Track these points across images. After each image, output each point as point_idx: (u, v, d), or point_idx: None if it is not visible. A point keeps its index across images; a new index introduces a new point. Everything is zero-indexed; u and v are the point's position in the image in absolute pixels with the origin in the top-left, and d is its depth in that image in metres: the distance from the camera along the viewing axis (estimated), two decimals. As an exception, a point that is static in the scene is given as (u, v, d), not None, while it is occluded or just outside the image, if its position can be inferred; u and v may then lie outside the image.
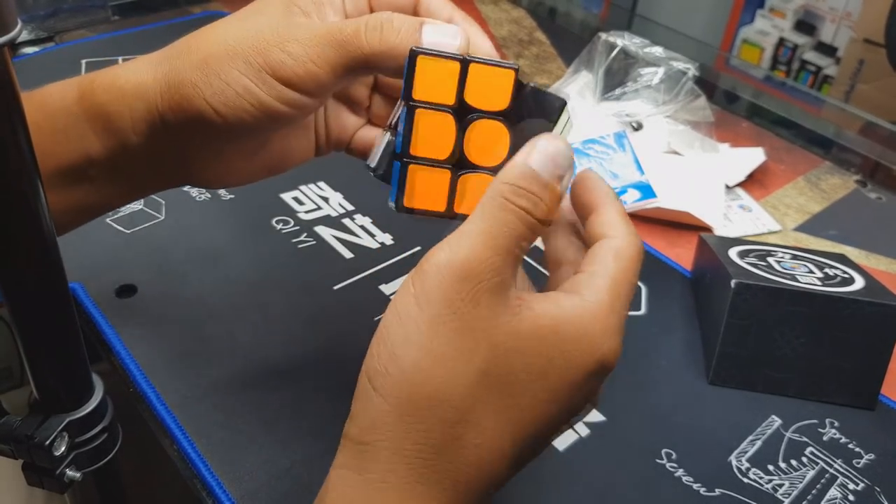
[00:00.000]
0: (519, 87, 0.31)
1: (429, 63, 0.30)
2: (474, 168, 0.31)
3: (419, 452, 0.27)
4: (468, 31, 0.34)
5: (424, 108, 0.30)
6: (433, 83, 0.30)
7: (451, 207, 0.32)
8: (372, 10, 0.36)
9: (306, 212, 0.59)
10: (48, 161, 0.34)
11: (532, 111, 0.31)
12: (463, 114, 0.31)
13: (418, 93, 0.30)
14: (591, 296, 0.29)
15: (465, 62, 0.30)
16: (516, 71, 0.30)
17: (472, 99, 0.30)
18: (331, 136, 0.40)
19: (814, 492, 0.43)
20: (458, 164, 0.31)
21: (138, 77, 0.35)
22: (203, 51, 0.34)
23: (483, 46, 0.34)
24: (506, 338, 0.28)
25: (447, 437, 0.27)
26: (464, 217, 0.29)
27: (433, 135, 0.31)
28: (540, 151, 0.29)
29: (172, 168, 0.37)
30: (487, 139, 0.31)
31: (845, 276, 0.51)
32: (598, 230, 0.31)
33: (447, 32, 0.31)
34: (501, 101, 0.30)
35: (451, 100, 0.30)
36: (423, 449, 0.27)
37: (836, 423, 0.48)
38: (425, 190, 0.31)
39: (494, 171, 0.31)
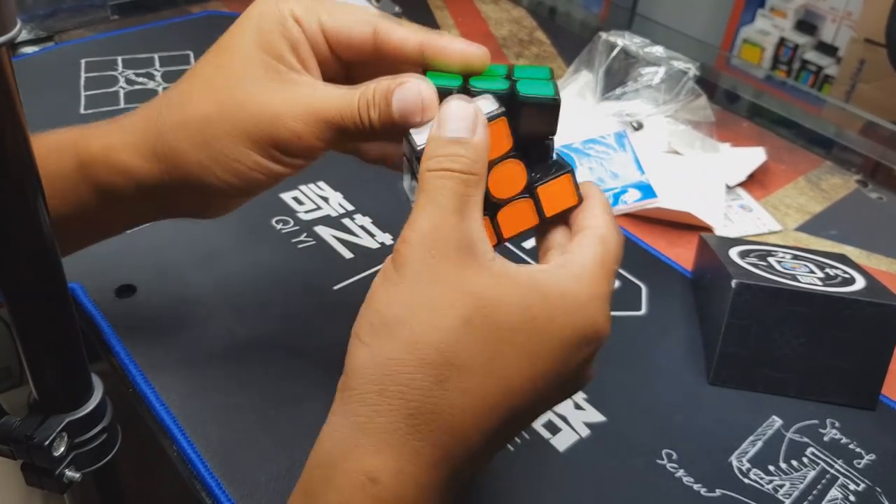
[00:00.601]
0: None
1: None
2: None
3: (403, 394, 0.28)
4: (438, 43, 0.35)
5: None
6: None
7: None
8: (331, 50, 0.36)
9: (306, 212, 0.59)
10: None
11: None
12: None
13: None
14: (577, 266, 0.31)
15: None
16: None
17: None
18: None
19: (815, 492, 0.43)
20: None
21: (133, 159, 0.36)
22: (200, 126, 0.35)
23: (459, 48, 0.35)
24: (484, 288, 0.29)
25: (431, 379, 0.28)
26: None
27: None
28: (442, 119, 0.31)
29: (165, 211, 0.40)
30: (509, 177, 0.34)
31: (846, 276, 0.51)
32: (583, 222, 0.33)
33: (412, 91, 0.33)
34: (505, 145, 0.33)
35: None
36: (406, 391, 0.28)
37: (837, 424, 0.48)
38: None
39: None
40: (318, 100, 0.34)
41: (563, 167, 0.34)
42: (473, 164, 0.31)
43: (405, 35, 0.35)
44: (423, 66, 0.35)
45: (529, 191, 0.33)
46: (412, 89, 0.32)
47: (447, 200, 0.30)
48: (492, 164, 0.32)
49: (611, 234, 0.33)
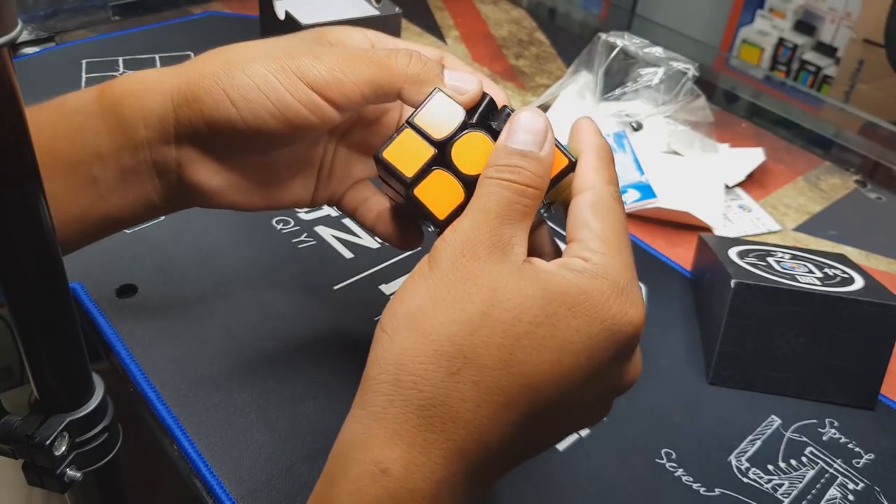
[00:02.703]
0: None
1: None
2: (450, 169, 0.33)
3: (415, 384, 0.28)
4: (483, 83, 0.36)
5: (444, 94, 0.34)
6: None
7: (413, 183, 0.33)
8: None
9: (306, 211, 0.59)
10: (57, 160, 0.35)
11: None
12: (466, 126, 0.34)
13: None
14: (594, 257, 0.30)
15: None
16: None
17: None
18: (333, 180, 0.41)
19: (813, 491, 0.43)
20: (440, 156, 0.33)
21: (157, 75, 0.36)
22: (230, 53, 0.35)
23: (499, 96, 0.36)
24: (507, 283, 0.29)
25: (443, 371, 0.28)
26: (415, 198, 0.33)
27: (438, 118, 0.34)
28: (512, 129, 0.32)
29: (176, 181, 0.37)
30: (473, 152, 0.33)
31: (845, 275, 0.51)
32: (575, 184, 0.32)
33: (465, 80, 0.35)
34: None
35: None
36: (419, 381, 0.28)
37: (836, 423, 0.48)
38: (406, 153, 0.34)
39: (464, 182, 0.33)
40: (356, 47, 0.36)
41: None
42: (535, 178, 0.31)
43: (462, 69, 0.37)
44: None
45: None
46: (470, 77, 0.35)
47: (495, 206, 0.30)
48: (470, 131, 0.33)
49: (600, 199, 0.31)
